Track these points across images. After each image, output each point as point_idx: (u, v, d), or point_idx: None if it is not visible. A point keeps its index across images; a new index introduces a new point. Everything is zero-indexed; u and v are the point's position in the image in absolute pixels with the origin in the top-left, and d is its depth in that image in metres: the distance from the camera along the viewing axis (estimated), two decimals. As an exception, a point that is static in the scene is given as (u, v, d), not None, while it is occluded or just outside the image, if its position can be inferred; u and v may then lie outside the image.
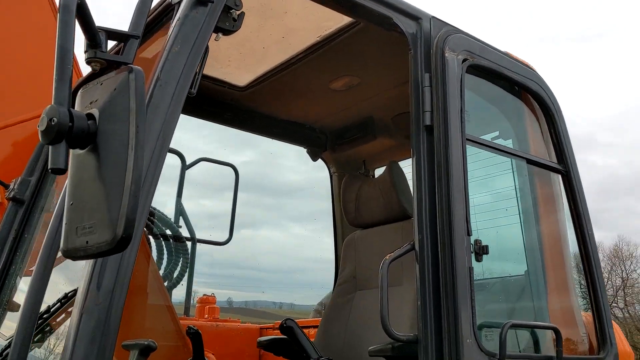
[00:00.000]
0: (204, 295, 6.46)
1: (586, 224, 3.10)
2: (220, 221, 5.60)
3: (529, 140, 3.37)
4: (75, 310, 1.68)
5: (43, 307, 2.19)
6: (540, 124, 3.27)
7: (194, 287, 5.78)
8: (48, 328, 2.19)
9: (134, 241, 1.76)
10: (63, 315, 2.18)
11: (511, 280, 3.26)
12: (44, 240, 1.66)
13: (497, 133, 3.38)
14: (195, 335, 3.13)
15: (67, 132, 1.43)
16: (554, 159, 3.21)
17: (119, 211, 1.38)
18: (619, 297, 35.39)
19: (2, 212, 3.11)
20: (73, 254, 1.47)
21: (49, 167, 1.43)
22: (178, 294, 5.48)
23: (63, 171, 1.45)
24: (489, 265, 3.07)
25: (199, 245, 5.54)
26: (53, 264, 1.67)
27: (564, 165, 3.17)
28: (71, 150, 1.52)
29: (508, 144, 3.30)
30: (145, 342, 2.54)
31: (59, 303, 2.13)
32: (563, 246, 3.28)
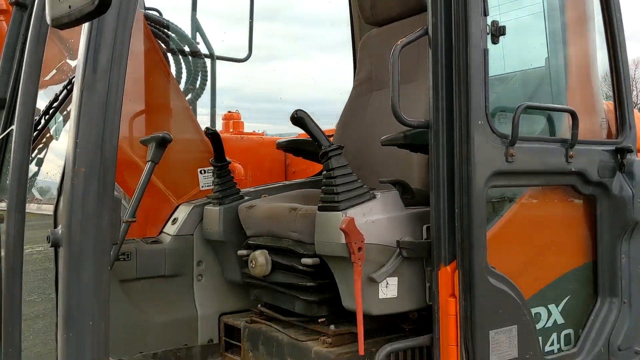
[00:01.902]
0: (228, 112, 6.52)
1: (614, 4, 2.90)
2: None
3: None
4: (75, 88, 1.68)
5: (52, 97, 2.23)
6: None
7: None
8: (61, 118, 2.23)
9: (127, 15, 1.70)
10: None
11: (530, 71, 3.15)
12: (33, 11, 1.61)
13: None
14: (214, 136, 3.17)
15: None
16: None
17: (97, -32, 1.31)
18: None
19: (8, 19, 3.07)
20: (59, 22, 1.44)
21: None
22: (203, 119, 5.51)
23: None
24: (507, 58, 2.96)
25: (227, 79, 5.44)
26: (45, 41, 1.65)
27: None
28: None
29: None
30: (161, 135, 2.61)
31: (65, 90, 2.14)
32: (588, 34, 3.11)
